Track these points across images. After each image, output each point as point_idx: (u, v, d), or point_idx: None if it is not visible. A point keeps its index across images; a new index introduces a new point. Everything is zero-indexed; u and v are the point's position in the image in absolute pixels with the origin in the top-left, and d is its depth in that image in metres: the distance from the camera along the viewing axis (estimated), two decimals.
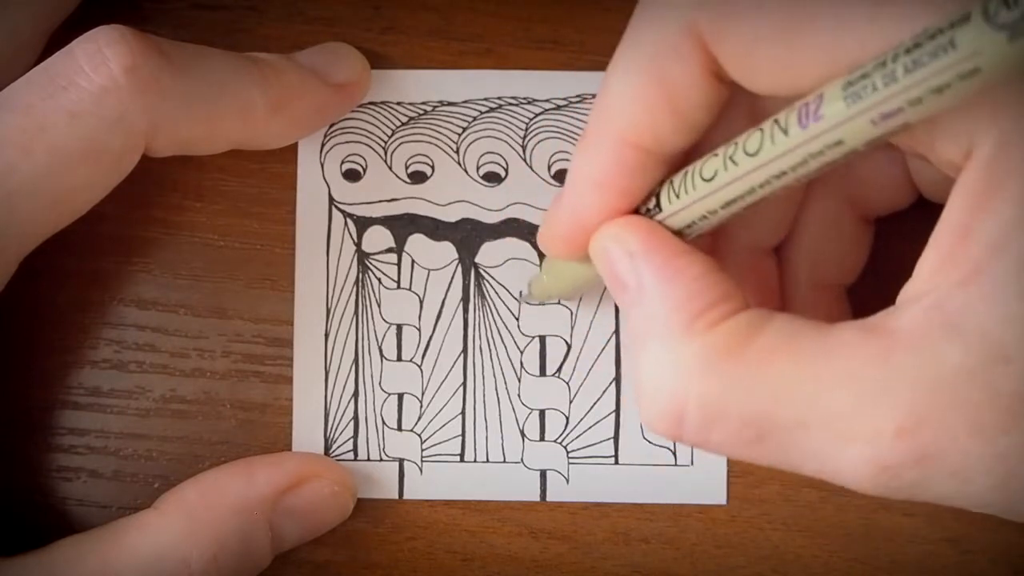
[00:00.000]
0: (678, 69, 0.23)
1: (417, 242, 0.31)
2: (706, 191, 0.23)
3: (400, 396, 0.30)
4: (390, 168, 0.31)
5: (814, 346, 0.21)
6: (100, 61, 0.25)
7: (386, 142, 0.31)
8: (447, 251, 0.31)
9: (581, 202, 0.25)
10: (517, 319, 0.30)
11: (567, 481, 0.30)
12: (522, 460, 0.30)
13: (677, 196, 0.24)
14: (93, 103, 0.25)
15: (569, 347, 0.30)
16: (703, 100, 0.23)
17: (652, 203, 0.25)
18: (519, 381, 0.30)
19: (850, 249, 0.28)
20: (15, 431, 0.30)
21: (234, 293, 0.30)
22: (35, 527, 0.30)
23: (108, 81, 0.25)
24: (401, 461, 0.30)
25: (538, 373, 0.30)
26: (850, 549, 0.30)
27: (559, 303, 0.30)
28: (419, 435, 0.30)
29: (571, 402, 0.30)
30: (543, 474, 0.30)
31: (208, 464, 0.30)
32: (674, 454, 0.30)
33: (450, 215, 0.31)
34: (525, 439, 0.30)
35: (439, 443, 0.30)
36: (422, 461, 0.30)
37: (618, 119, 0.24)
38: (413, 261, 0.31)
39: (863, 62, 0.20)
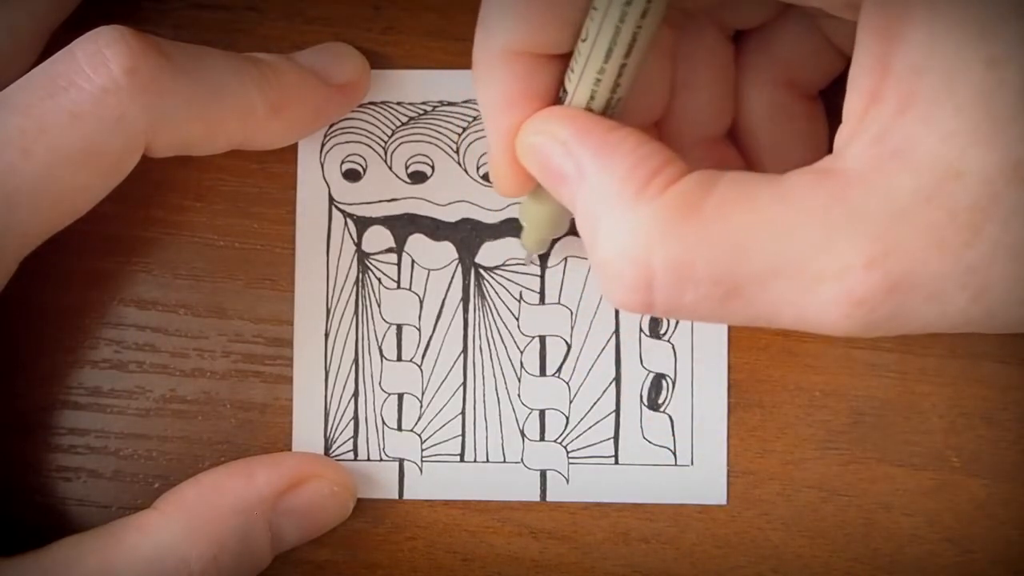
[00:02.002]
0: None
1: (417, 242, 0.31)
2: (587, 51, 0.24)
3: (400, 396, 0.30)
4: (390, 168, 0.31)
5: (769, 195, 0.22)
6: (100, 62, 0.25)
7: (386, 142, 0.31)
8: (447, 251, 0.31)
9: (502, 128, 0.25)
10: (517, 319, 0.30)
11: (567, 481, 0.30)
12: (522, 460, 0.30)
13: (572, 71, 0.24)
14: (93, 104, 0.25)
15: (569, 347, 0.30)
16: None
17: (561, 93, 0.25)
18: (519, 381, 0.30)
19: (803, 129, 0.28)
20: (15, 431, 0.30)
21: (234, 293, 0.30)
22: (35, 527, 0.30)
23: (108, 82, 0.25)
24: (401, 461, 0.30)
25: (538, 373, 0.30)
26: (850, 549, 0.30)
27: (560, 303, 0.30)
28: (419, 435, 0.30)
29: (571, 402, 0.30)
30: (543, 474, 0.30)
31: (208, 464, 0.30)
32: (674, 454, 0.30)
33: (450, 215, 0.31)
34: (525, 439, 0.30)
35: (439, 443, 0.30)
36: (422, 461, 0.30)
37: (500, 36, 0.24)
38: (413, 261, 0.31)
39: None
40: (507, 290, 0.31)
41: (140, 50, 0.26)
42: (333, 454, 0.30)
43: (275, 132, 0.28)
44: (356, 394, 0.30)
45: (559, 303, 0.31)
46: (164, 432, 0.30)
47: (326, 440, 0.30)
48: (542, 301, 0.31)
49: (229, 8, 0.31)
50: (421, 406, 0.30)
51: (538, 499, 0.30)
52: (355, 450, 0.30)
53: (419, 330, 0.31)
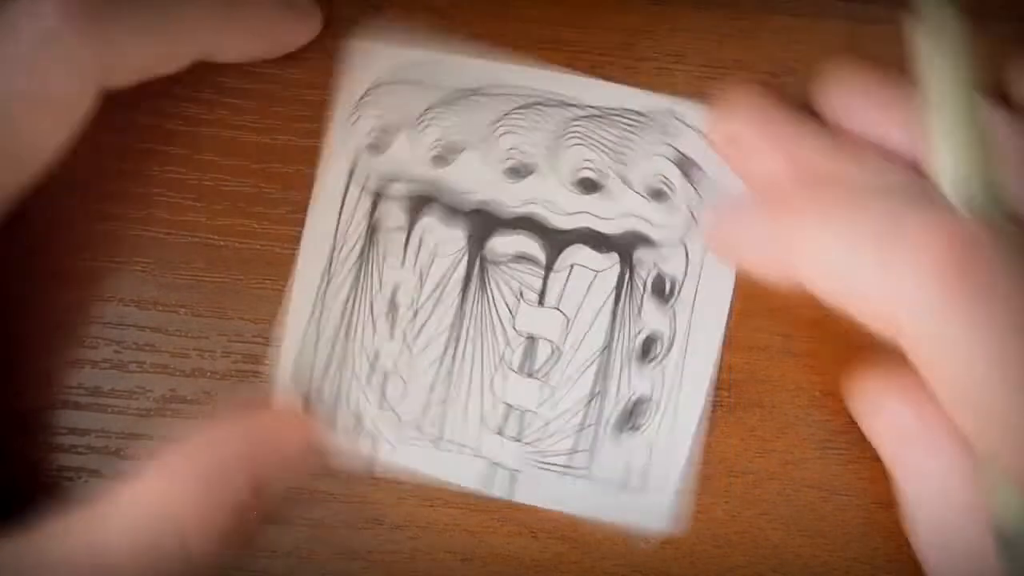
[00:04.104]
0: None
1: (428, 225, 0.31)
2: None
3: (385, 375, 0.30)
4: (415, 147, 0.31)
5: None
6: (42, 4, 0.25)
7: (415, 121, 0.31)
8: (456, 238, 0.31)
9: None
10: (513, 316, 0.30)
11: (536, 485, 0.30)
12: (495, 457, 0.30)
13: None
14: (38, 48, 0.25)
15: (559, 352, 0.30)
16: None
17: None
18: (504, 379, 0.30)
19: None
20: (15, 431, 0.30)
21: (234, 293, 0.31)
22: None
23: (52, 22, 0.25)
24: (376, 438, 0.30)
25: (522, 373, 0.30)
26: (850, 549, 0.30)
27: (557, 308, 0.30)
28: (400, 416, 0.30)
29: (551, 406, 0.30)
30: (513, 475, 0.30)
31: None
32: (643, 476, 0.30)
33: (466, 203, 0.31)
34: (503, 436, 0.30)
35: (419, 427, 0.30)
36: (398, 442, 0.30)
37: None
38: (421, 242, 0.31)
39: None
40: (508, 286, 0.31)
41: None
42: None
43: (235, 44, 0.28)
44: (343, 364, 0.30)
45: (557, 308, 0.30)
46: (164, 432, 0.30)
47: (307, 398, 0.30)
48: (541, 303, 0.31)
49: None
50: (405, 387, 0.30)
51: (506, 497, 0.30)
52: (335, 422, 0.30)
53: (415, 312, 0.30)
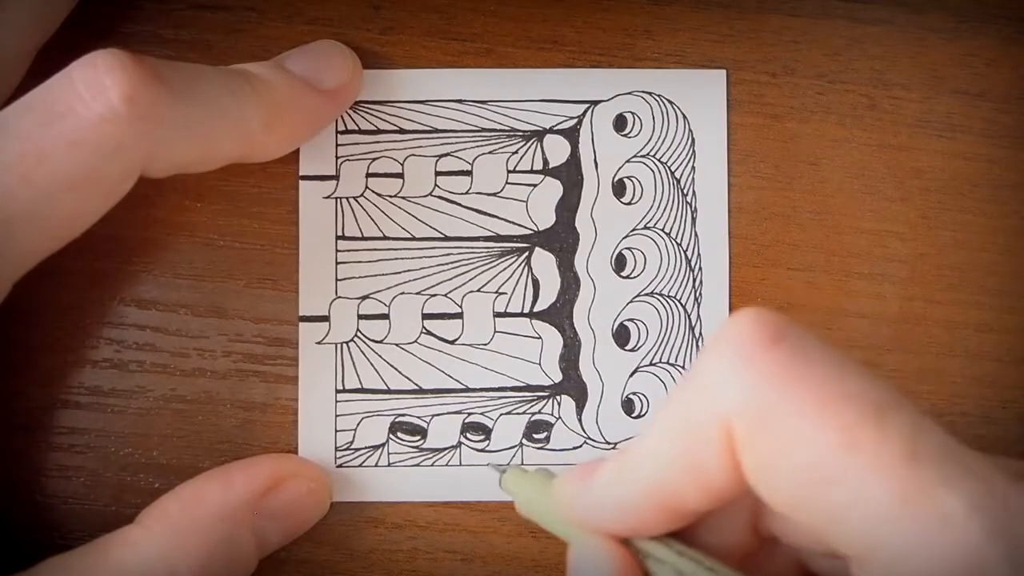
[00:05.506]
0: (706, 451, 0.21)
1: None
2: None
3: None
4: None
5: None
6: (99, 89, 0.25)
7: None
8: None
9: (606, 515, 0.23)
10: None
11: None
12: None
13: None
14: (92, 132, 0.25)
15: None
16: (726, 482, 0.22)
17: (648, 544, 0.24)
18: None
19: None
20: (16, 431, 0.30)
21: (234, 293, 0.31)
22: (36, 527, 0.30)
23: (107, 110, 0.25)
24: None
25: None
26: None
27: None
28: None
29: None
30: None
31: (208, 464, 0.30)
32: None
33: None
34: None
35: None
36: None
37: (647, 474, 0.23)
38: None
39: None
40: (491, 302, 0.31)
41: (138, 76, 0.25)
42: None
43: (270, 147, 0.28)
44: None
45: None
46: (165, 432, 0.30)
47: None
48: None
49: (229, 8, 0.31)
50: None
51: None
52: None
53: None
